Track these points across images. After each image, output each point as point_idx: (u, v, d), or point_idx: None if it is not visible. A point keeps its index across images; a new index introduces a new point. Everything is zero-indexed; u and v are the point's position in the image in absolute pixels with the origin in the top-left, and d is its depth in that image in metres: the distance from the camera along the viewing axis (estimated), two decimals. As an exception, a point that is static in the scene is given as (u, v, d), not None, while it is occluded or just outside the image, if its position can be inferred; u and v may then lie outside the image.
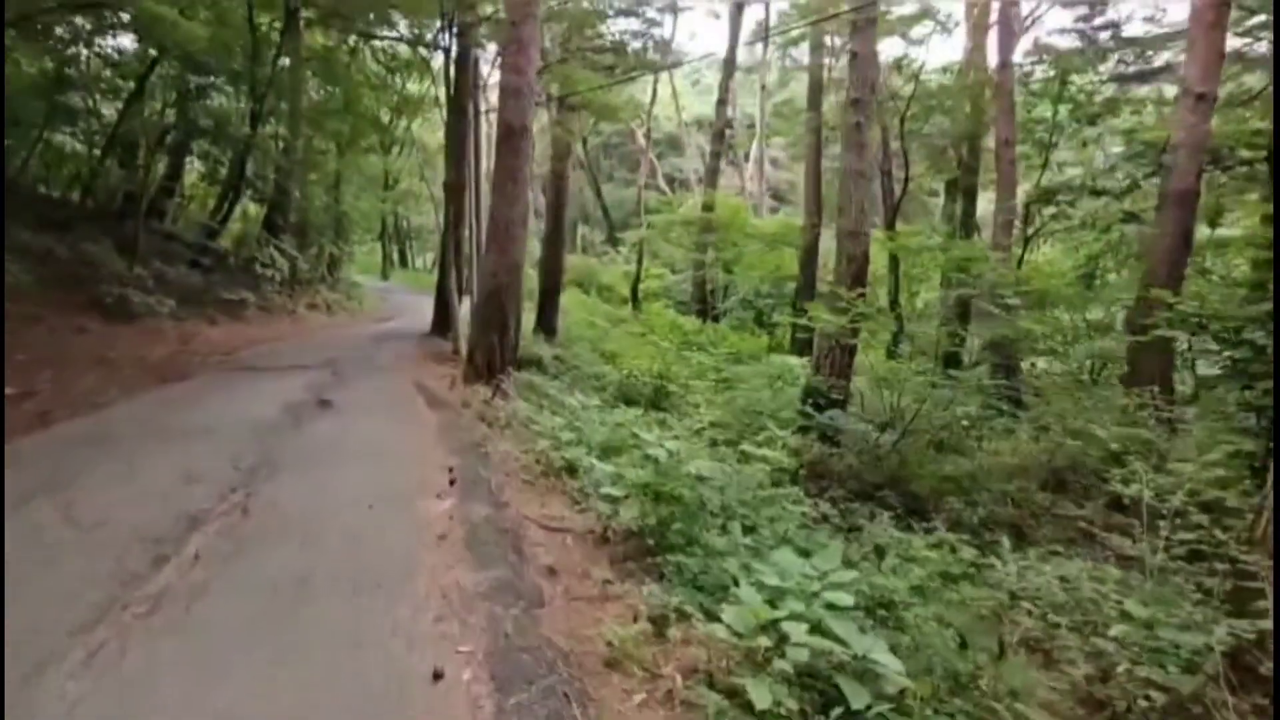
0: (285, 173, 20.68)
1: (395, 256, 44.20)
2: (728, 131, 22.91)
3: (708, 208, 21.31)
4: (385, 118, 25.57)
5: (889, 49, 20.01)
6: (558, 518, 4.61)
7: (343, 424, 6.73)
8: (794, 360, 10.50)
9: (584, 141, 34.35)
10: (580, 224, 42.28)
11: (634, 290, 26.27)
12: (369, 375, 9.47)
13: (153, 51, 15.26)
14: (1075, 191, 12.11)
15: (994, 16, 14.53)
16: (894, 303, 9.25)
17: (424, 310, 23.04)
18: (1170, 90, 14.21)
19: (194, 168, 20.65)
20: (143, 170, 17.81)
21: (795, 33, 37.39)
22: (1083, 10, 13.89)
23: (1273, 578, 4.04)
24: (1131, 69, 14.19)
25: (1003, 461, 7.91)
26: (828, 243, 15.90)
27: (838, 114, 17.84)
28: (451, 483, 4.95)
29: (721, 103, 21.49)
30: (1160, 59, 16.07)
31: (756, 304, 16.09)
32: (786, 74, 41.49)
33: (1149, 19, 15.42)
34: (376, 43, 21.32)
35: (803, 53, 39.77)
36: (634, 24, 26.10)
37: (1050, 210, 12.71)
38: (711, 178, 21.80)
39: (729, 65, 21.25)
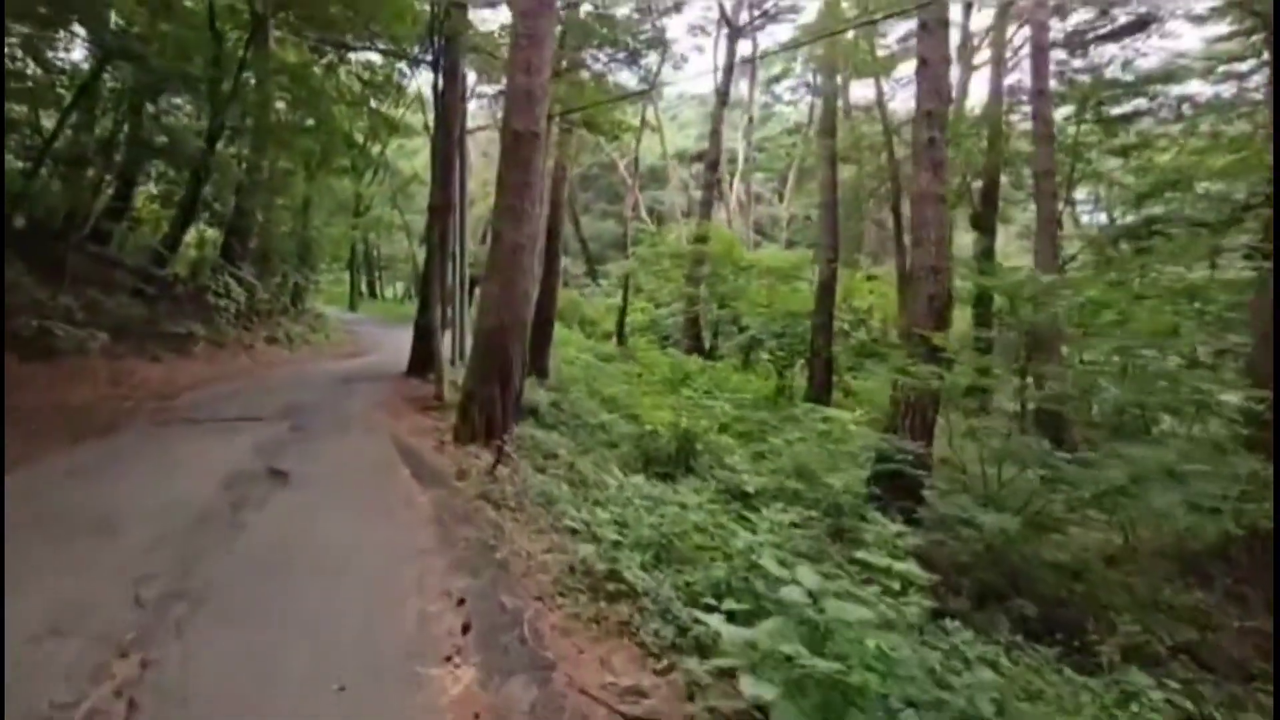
0: (248, 194, 18.87)
1: (364, 287, 42.08)
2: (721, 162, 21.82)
3: (700, 239, 20.03)
4: (360, 138, 23.90)
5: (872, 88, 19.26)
6: (634, 691, 2.97)
7: (301, 511, 4.97)
8: (835, 413, 9.07)
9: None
10: (563, 256, 40.76)
11: (620, 325, 24.77)
12: (336, 430, 7.69)
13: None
14: (1163, 223, 11.13)
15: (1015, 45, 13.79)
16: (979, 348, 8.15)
17: (397, 345, 21.12)
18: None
19: (151, 189, 18.70)
20: (90, 189, 15.91)
21: (778, 69, 37.12)
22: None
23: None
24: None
25: (1106, 545, 6.50)
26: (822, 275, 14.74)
27: (843, 142, 16.84)
28: (465, 628, 3.27)
29: (715, 132, 20.40)
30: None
31: (766, 342, 14.70)
32: (768, 110, 41.17)
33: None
34: (354, 56, 19.74)
35: (783, 89, 39.54)
36: (620, 53, 25.10)
37: (1124, 244, 11.72)
38: (705, 209, 20.59)
39: (723, 93, 20.22)
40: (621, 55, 17.46)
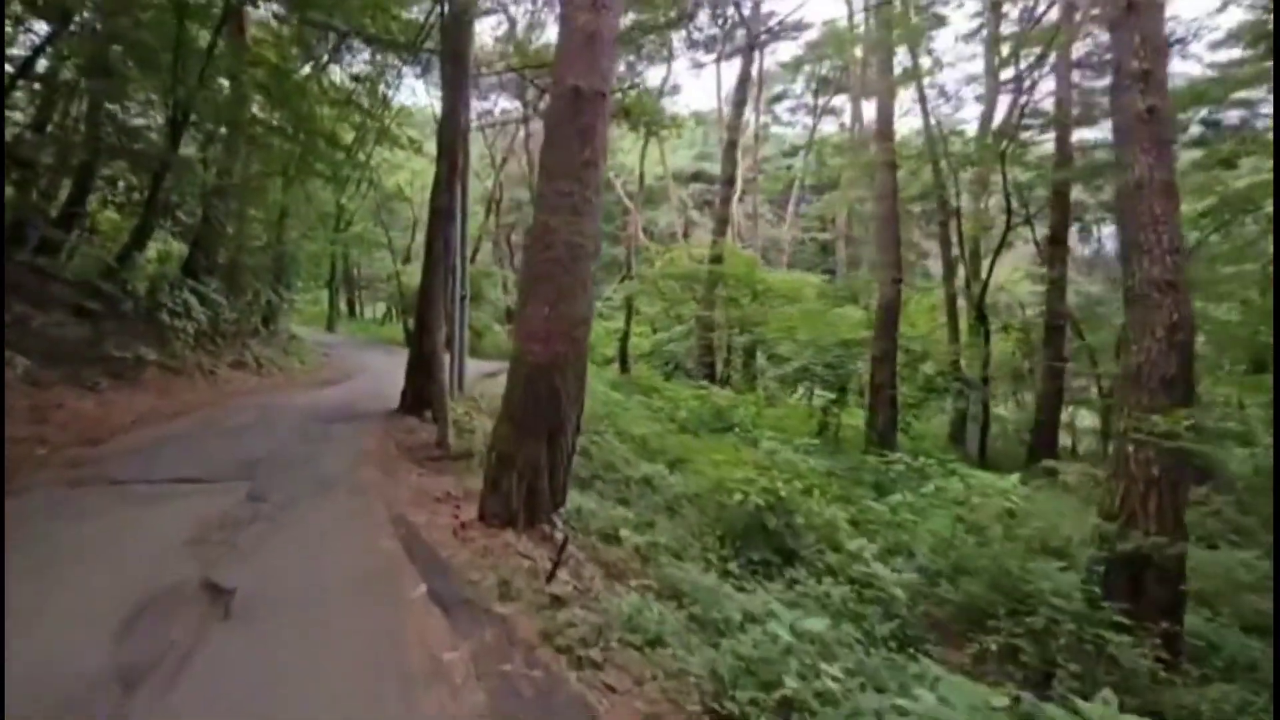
0: (216, 202, 16.66)
1: (344, 306, 39.57)
2: (734, 181, 20.11)
3: (715, 260, 18.21)
4: (348, 140, 21.78)
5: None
6: None
7: (246, 694, 2.85)
8: (982, 475, 7.04)
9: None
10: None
11: (623, 350, 22.75)
12: (312, 500, 5.51)
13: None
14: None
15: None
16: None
17: (380, 371, 18.81)
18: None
19: (107, 196, 16.36)
20: (40, 194, 13.67)
21: (778, 88, 35.85)
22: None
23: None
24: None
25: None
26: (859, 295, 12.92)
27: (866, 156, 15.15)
28: None
29: (731, 144, 18.70)
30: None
31: (816, 373, 12.75)
32: (764, 130, 39.91)
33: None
34: (345, 52, 17.71)
35: (782, 109, 38.27)
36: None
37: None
38: (720, 227, 18.80)
39: (738, 105, 18.60)
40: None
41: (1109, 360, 12.48)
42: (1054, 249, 12.79)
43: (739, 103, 18.73)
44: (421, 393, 9.83)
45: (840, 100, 33.86)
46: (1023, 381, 12.67)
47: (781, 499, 5.78)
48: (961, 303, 14.06)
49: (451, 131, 9.86)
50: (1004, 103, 17.18)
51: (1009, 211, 12.68)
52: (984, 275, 13.24)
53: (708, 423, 12.31)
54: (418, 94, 49.96)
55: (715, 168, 37.22)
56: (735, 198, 20.08)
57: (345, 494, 5.69)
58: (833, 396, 12.57)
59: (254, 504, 5.31)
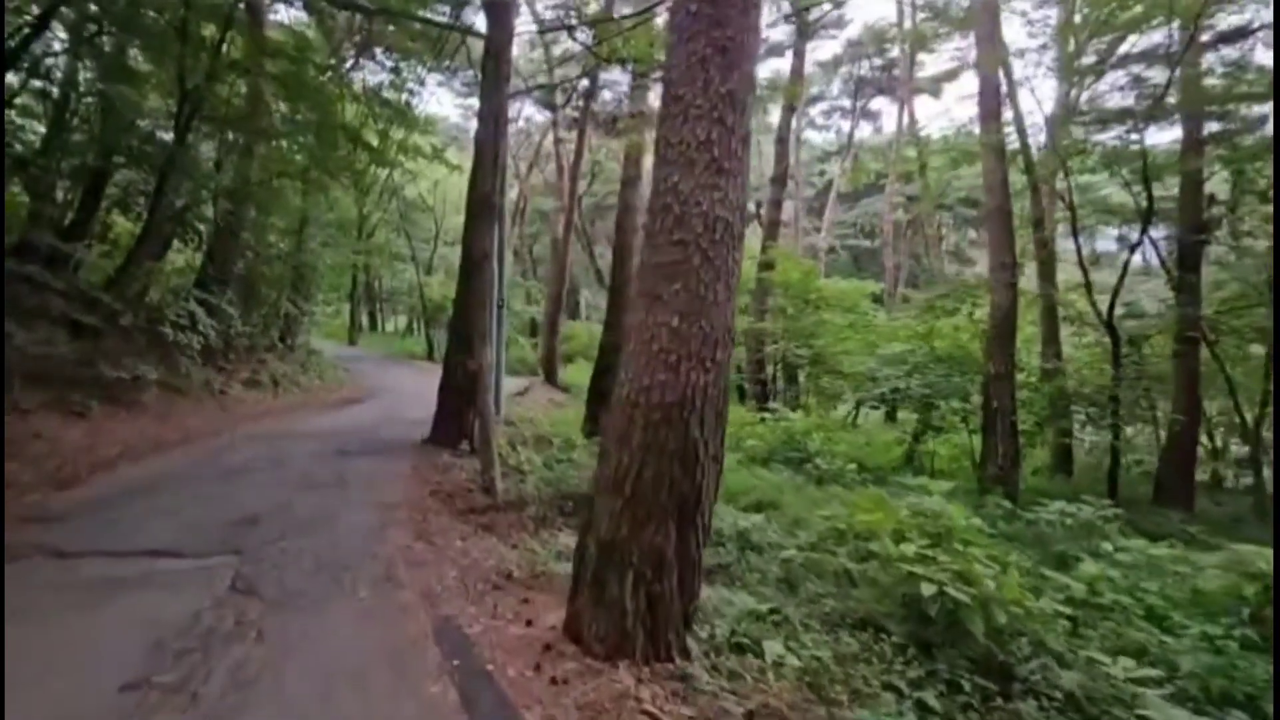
0: (233, 207, 15.29)
1: (365, 319, 38.36)
2: (788, 180, 18.37)
3: (767, 266, 16.49)
4: (373, 140, 20.44)
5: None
6: None
7: None
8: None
9: (579, 201, 29.90)
10: (582, 288, 37.44)
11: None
12: (319, 597, 3.77)
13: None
14: None
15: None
16: None
17: (407, 388, 17.24)
18: None
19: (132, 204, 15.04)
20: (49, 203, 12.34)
21: (815, 89, 34.17)
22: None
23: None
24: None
25: None
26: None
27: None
28: None
29: (781, 140, 17.03)
30: None
31: (911, 394, 10.78)
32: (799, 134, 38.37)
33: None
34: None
35: (816, 112, 36.59)
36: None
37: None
38: (771, 230, 17.09)
39: (792, 102, 16.97)
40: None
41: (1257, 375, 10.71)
42: (1187, 248, 10.91)
43: (793, 102, 17.09)
44: (457, 420, 8.20)
45: (879, 103, 32.21)
46: (1130, 404, 10.78)
47: (970, 584, 4.03)
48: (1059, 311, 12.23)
49: (492, 123, 8.29)
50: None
51: (1149, 206, 10.78)
52: (1082, 276, 11.24)
53: (778, 452, 10.56)
54: (442, 103, 48.83)
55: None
56: (784, 199, 18.36)
57: (368, 584, 3.99)
58: (926, 424, 10.65)
59: (238, 601, 3.64)
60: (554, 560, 4.60)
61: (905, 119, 25.66)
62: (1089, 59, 14.10)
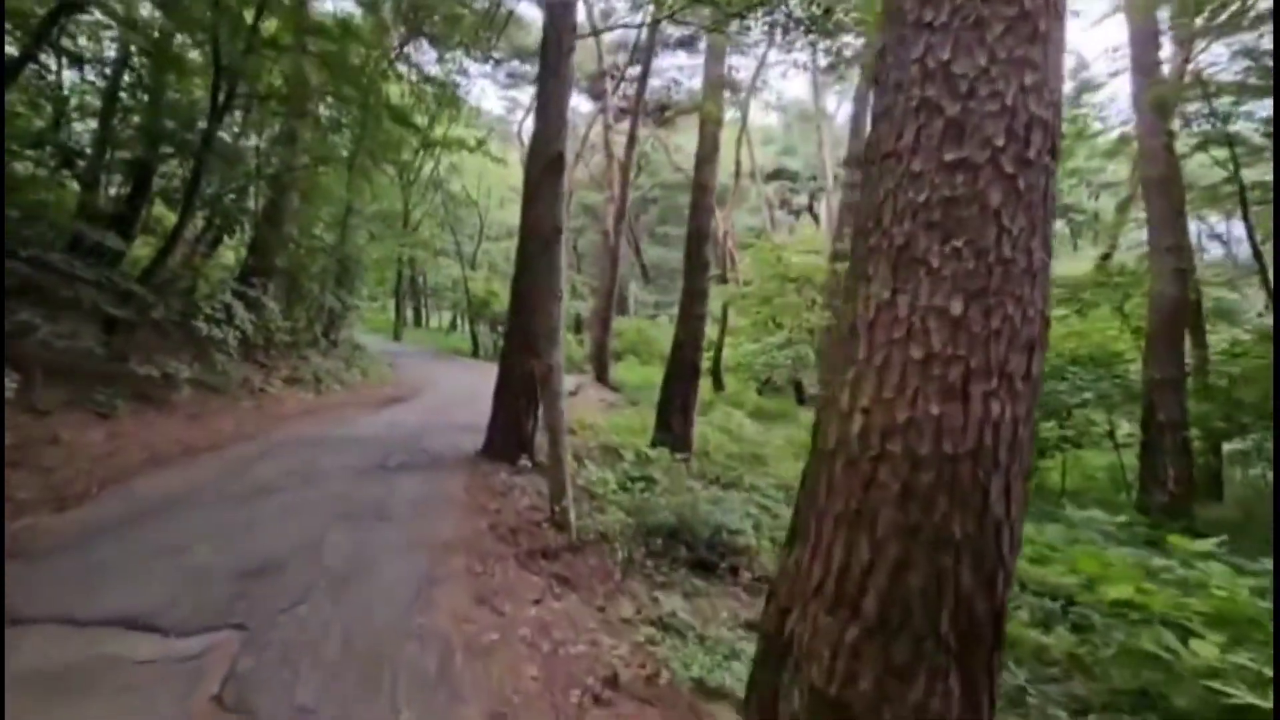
0: (275, 196, 14.44)
1: (409, 314, 37.77)
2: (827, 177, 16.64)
3: (839, 257, 14.89)
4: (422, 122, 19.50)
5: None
6: None
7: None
8: None
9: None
10: (631, 281, 36.13)
11: (716, 364, 19.62)
12: (346, 717, 2.60)
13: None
14: None
15: None
16: None
17: (454, 385, 16.18)
18: None
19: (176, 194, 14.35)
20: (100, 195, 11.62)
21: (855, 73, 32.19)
22: None
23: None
24: None
25: None
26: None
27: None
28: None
29: (856, 116, 15.39)
30: None
31: (1071, 403, 8.83)
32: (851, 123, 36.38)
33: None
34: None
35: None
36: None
37: None
38: (846, 217, 15.48)
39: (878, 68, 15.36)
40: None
41: None
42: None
43: (870, 81, 15.44)
44: (516, 430, 6.95)
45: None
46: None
47: None
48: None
49: (556, 51, 6.96)
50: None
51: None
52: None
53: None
54: (486, 94, 47.86)
55: (796, 163, 33.81)
56: (826, 191, 16.69)
57: (412, 693, 2.71)
58: (1074, 437, 8.82)
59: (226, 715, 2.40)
60: (668, 647, 3.26)
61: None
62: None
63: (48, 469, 6.58)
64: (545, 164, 7.05)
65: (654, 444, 8.31)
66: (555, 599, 3.89)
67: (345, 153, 15.70)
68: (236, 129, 13.48)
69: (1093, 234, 47.01)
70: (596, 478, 6.43)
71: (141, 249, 12.54)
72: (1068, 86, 14.74)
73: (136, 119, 11.76)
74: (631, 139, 20.45)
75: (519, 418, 7.00)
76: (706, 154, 8.90)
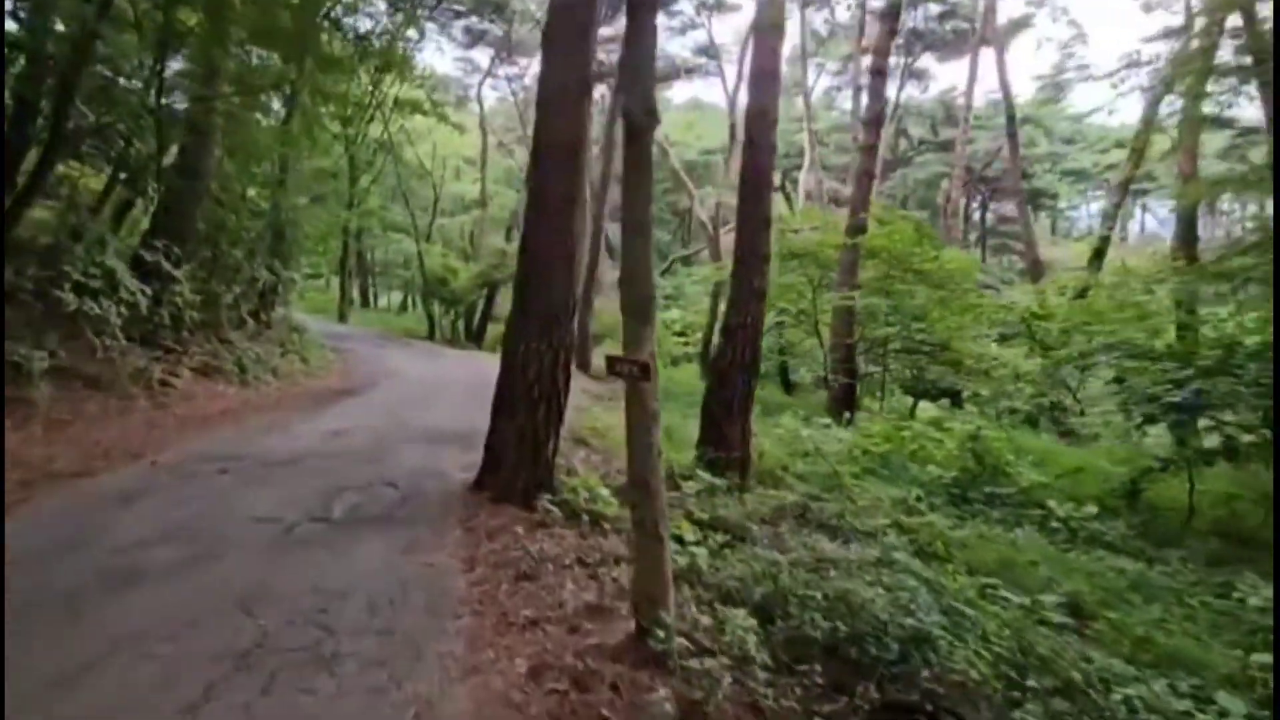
0: (190, 143, 11.43)
1: (355, 293, 34.22)
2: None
3: (858, 230, 12.93)
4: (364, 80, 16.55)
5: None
6: None
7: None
8: None
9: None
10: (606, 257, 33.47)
11: (705, 351, 17.50)
12: None
13: None
14: None
15: None
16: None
17: (414, 375, 13.28)
18: None
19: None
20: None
21: (846, 48, 30.36)
22: None
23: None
24: None
25: None
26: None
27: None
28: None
29: (879, 73, 13.28)
30: None
31: (1167, 400, 6.93)
32: (830, 94, 34.86)
33: None
34: None
35: (847, 76, 32.85)
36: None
37: None
38: (865, 182, 13.39)
39: (890, 24, 13.29)
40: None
41: None
42: None
43: (891, 19, 13.36)
44: (532, 450, 4.57)
45: (926, 62, 28.46)
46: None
47: None
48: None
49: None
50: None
51: None
52: None
53: (966, 484, 7.07)
54: (444, 51, 44.12)
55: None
56: (880, 145, 14.63)
57: None
58: (1179, 441, 7.05)
59: None
60: None
61: (988, 72, 21.90)
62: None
63: None
64: (561, 83, 4.71)
65: (704, 462, 6.04)
66: None
67: (280, 78, 12.59)
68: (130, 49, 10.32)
69: (1066, 223, 46.79)
70: (678, 526, 4.11)
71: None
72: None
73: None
74: (614, 112, 17.99)
75: (537, 435, 4.60)
76: (766, 68, 6.58)
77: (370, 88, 20.64)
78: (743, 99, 31.95)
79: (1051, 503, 6.42)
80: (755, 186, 6.50)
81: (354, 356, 15.26)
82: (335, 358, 14.72)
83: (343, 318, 24.75)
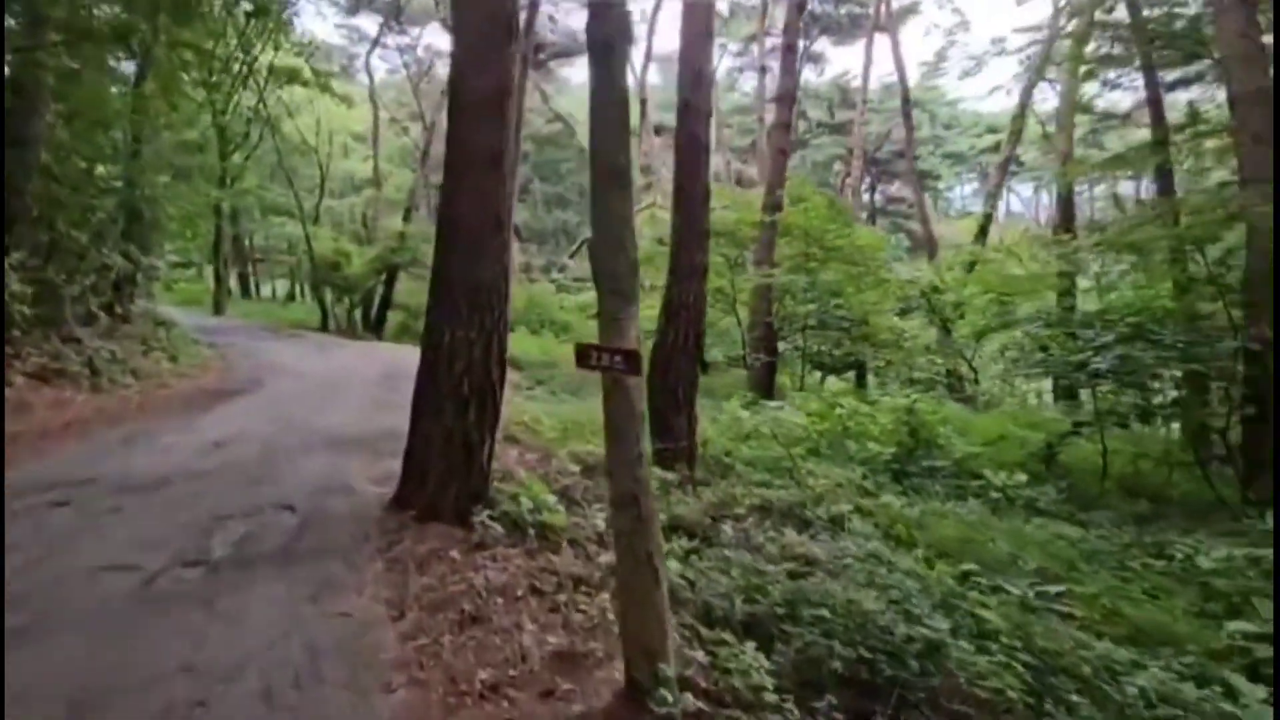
0: (17, 108, 9.52)
1: (234, 283, 30.92)
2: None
3: (774, 207, 12.81)
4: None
5: None
6: None
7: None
8: None
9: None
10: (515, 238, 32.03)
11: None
12: None
13: None
14: None
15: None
16: None
17: (307, 369, 11.70)
18: None
19: None
20: None
21: (749, 28, 30.41)
22: None
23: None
24: None
25: None
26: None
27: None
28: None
29: (790, 49, 13.11)
30: None
31: (1095, 368, 7.03)
32: (732, 75, 34.98)
33: None
34: None
35: (754, 57, 33.03)
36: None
37: None
38: (780, 160, 13.24)
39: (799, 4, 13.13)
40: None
41: None
42: None
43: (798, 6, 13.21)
44: (464, 456, 3.86)
45: (822, 45, 29.00)
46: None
47: None
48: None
49: None
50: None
51: None
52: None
53: (904, 459, 6.99)
54: (325, 16, 40.41)
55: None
56: (794, 123, 14.53)
57: None
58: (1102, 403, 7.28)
59: None
60: None
61: (883, 56, 22.46)
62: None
63: None
64: (484, 20, 3.97)
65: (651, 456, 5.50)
66: None
67: (129, 44, 10.72)
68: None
69: (945, 203, 49.77)
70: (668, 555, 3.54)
71: None
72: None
73: None
74: (521, 84, 16.84)
75: (468, 438, 3.87)
76: (698, 31, 6.04)
77: (240, 51, 18.34)
78: (652, 79, 31.39)
79: (987, 472, 6.42)
80: (693, 155, 5.97)
81: (235, 352, 13.49)
82: (212, 354, 12.94)
83: (219, 310, 22.17)
